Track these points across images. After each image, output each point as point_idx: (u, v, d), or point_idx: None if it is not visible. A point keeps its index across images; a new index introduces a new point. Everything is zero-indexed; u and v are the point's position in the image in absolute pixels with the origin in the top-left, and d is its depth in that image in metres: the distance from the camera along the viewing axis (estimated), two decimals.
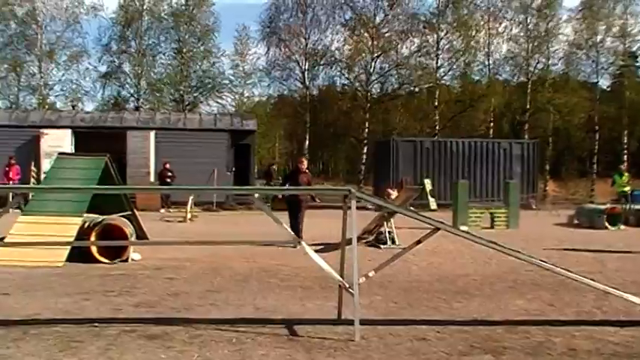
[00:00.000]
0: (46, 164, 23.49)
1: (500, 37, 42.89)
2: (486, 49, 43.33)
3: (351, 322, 6.08)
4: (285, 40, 44.57)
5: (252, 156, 29.80)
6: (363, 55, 42.60)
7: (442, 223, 6.59)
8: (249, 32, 46.87)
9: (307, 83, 45.06)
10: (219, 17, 44.20)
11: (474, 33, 41.89)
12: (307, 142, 44.46)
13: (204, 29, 43.37)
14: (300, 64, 44.93)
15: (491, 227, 18.41)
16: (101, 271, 9.97)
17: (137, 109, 39.72)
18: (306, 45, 44.61)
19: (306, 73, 44.72)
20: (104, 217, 11.58)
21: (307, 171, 15.15)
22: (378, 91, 44.64)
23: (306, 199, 14.65)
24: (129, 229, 11.47)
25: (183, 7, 42.99)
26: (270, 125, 49.27)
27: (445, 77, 43.55)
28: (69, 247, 10.60)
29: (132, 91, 43.48)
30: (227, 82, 44.49)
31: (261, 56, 47.70)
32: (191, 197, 21.01)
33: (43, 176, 22.08)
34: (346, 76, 44.76)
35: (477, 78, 44.76)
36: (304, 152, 44.56)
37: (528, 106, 41.68)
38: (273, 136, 54.47)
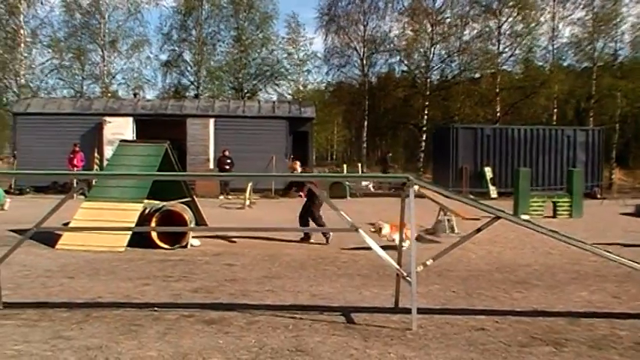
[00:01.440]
0: (108, 151, 24.02)
1: (564, 20, 41.85)
2: (550, 34, 42.34)
3: (408, 311, 6.03)
4: (344, 27, 44.46)
5: (310, 143, 29.83)
6: (423, 41, 42.17)
7: (502, 211, 6.46)
8: (300, 19, 46.85)
9: (366, 70, 44.89)
10: (278, 4, 44.33)
11: (536, 16, 40.94)
12: (365, 130, 44.31)
13: (263, 16, 43.55)
14: (359, 51, 44.79)
15: (554, 216, 18.01)
16: (161, 257, 10.15)
17: (197, 96, 40.22)
18: (365, 32, 44.44)
19: (364, 60, 44.56)
20: (164, 203, 11.77)
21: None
22: (438, 77, 44.14)
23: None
24: (188, 215, 11.63)
25: None
26: (328, 112, 49.25)
27: (507, 63, 42.80)
28: (130, 233, 10.82)
29: (192, 79, 44.09)
30: (283, 70, 44.63)
31: (314, 43, 47.39)
32: (250, 184, 21.17)
33: (105, 163, 22.56)
34: (405, 62, 44.40)
35: (540, 63, 43.78)
36: (363, 140, 44.52)
37: (593, 92, 40.50)
38: (331, 123, 54.45)
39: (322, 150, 62.98)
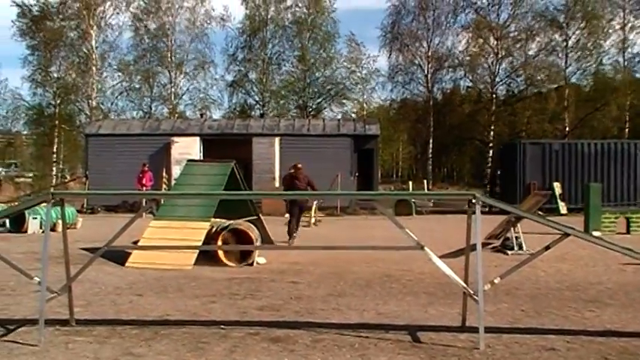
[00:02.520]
0: (176, 170, 24.50)
1: (635, 30, 40.74)
2: (620, 44, 41.24)
3: (475, 330, 5.92)
4: (408, 44, 44.40)
5: (375, 161, 29.78)
6: (487, 56, 41.73)
7: (572, 228, 6.29)
8: (359, 38, 47.02)
9: (430, 87, 44.66)
10: (340, 23, 44.67)
11: (605, 27, 40.00)
12: (431, 146, 43.99)
13: (325, 36, 43.90)
14: (423, 67, 44.64)
15: (627, 232, 17.44)
16: (227, 275, 10.25)
17: (262, 116, 40.75)
18: (429, 48, 44.27)
19: (429, 76, 44.36)
20: (231, 221, 11.90)
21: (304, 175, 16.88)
22: (504, 92, 43.58)
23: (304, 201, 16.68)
24: (254, 233, 11.73)
25: (305, 15, 43.72)
26: (393, 130, 49.13)
27: (574, 76, 41.91)
28: (197, 251, 10.98)
29: (257, 98, 44.69)
30: (346, 89, 44.79)
31: (377, 61, 47.39)
32: (315, 202, 21.25)
33: (173, 182, 23.01)
34: (470, 78, 44.00)
35: (610, 76, 42.67)
36: (428, 157, 44.20)
37: None
38: (396, 140, 54.28)
39: (388, 167, 62.82)
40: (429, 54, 44.21)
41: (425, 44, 44.43)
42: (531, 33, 41.01)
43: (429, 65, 44.35)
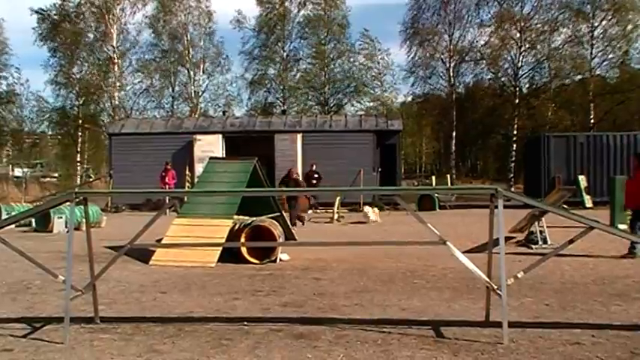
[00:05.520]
0: (199, 168, 24.65)
1: None
2: None
3: (499, 325, 5.89)
4: (429, 38, 44.23)
5: (398, 156, 29.71)
6: (510, 49, 41.42)
7: (597, 221, 6.23)
8: (378, 33, 47.00)
9: (452, 81, 44.45)
10: (354, 17, 44.85)
11: (634, 18, 39.44)
12: (454, 141, 43.80)
13: (341, 30, 43.94)
14: (445, 61, 44.45)
15: None
16: (250, 271, 10.30)
17: (284, 112, 40.86)
18: (450, 42, 44.07)
19: (451, 70, 44.16)
20: (253, 218, 11.94)
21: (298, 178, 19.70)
22: (527, 85, 43.25)
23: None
24: (277, 230, 11.76)
25: (319, 11, 43.78)
26: (415, 125, 48.99)
27: (600, 68, 41.41)
28: (220, 248, 11.03)
29: (278, 95, 44.83)
30: (363, 84, 44.75)
31: (398, 54, 47.42)
32: (338, 198, 21.27)
33: (196, 180, 23.14)
34: (492, 71, 43.70)
35: (638, 66, 42.11)
36: (451, 151, 44.02)
37: None
38: (419, 135, 54.11)
39: (411, 162, 62.64)
40: (451, 48, 44.01)
41: (446, 38, 44.26)
42: (556, 24, 40.59)
43: (451, 59, 44.15)
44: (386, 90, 45.91)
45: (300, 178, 20.06)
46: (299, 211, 18.70)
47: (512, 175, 40.29)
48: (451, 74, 44.29)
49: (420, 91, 47.10)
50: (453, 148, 44.13)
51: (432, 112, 47.67)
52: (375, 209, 20.53)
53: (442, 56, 44.54)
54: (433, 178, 33.95)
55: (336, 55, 44.03)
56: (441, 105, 46.42)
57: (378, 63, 44.99)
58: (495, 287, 6.05)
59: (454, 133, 43.68)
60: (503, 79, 43.28)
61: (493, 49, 42.14)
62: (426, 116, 48.95)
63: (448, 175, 35.40)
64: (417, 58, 44.96)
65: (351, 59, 44.44)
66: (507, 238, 11.86)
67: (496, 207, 6.11)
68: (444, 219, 19.35)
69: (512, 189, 33.98)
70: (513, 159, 40.33)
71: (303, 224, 18.50)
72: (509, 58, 42.04)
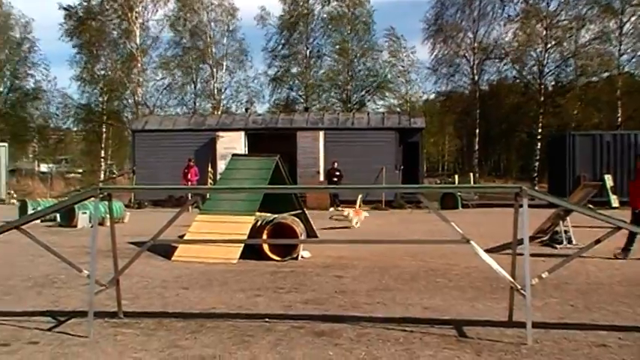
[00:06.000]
0: (221, 165, 24.75)
1: None
2: None
3: (523, 325, 5.84)
4: (452, 35, 44.00)
5: (421, 154, 29.61)
6: (535, 46, 41.04)
7: (624, 221, 6.16)
8: (399, 31, 46.87)
9: (476, 78, 44.18)
10: (378, 15, 44.77)
11: None
12: (477, 139, 43.54)
13: (365, 28, 43.86)
14: (469, 59, 44.20)
15: None
16: (272, 268, 10.32)
17: (306, 110, 40.89)
18: (474, 39, 43.79)
19: (474, 67, 43.89)
20: (275, 215, 11.97)
21: None
22: (552, 83, 42.83)
23: None
24: (299, 227, 11.78)
25: (344, 8, 43.75)
26: (438, 122, 48.78)
27: (629, 64, 40.88)
28: (242, 245, 11.07)
29: (300, 92, 44.87)
30: (387, 81, 44.65)
31: (420, 52, 47.25)
32: (360, 196, 21.23)
33: (218, 177, 23.23)
34: (517, 68, 43.34)
35: None
36: (474, 149, 43.78)
37: None
38: (441, 133, 53.88)
39: (433, 160, 62.38)
40: (475, 45, 43.72)
41: (470, 35, 43.99)
42: (583, 21, 40.11)
43: (475, 56, 43.87)
44: (411, 88, 45.86)
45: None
46: None
47: (536, 174, 39.96)
48: (475, 71, 44.02)
49: (443, 89, 46.91)
50: (476, 146, 43.86)
51: (455, 109, 47.38)
52: (362, 211, 18.88)
53: (466, 53, 44.29)
54: (456, 176, 33.82)
55: (359, 52, 43.97)
56: (464, 103, 46.14)
57: (403, 60, 44.88)
58: (519, 287, 6.01)
59: (477, 131, 43.42)
60: (528, 76, 42.93)
61: (518, 45, 41.79)
62: (448, 114, 48.67)
63: (471, 174, 35.23)
64: (440, 55, 44.80)
65: (375, 57, 44.38)
66: (531, 238, 11.77)
67: (520, 206, 6.07)
68: (467, 218, 19.24)
69: (536, 188, 33.70)
70: (537, 157, 40.00)
71: None
72: (534, 55, 41.69)
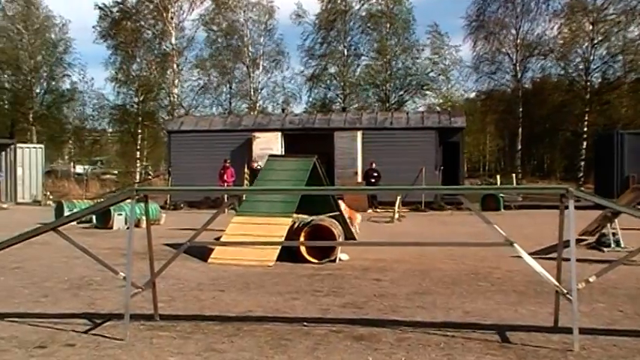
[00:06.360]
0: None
1: None
2: None
3: (569, 331, 5.75)
4: (494, 32, 43.59)
5: (461, 154, 29.40)
6: (581, 42, 40.43)
7: None
8: (445, 28, 46.58)
9: (519, 76, 43.70)
10: (418, 12, 44.61)
11: None
12: (520, 138, 43.07)
13: (404, 26, 43.69)
14: (511, 56, 43.75)
15: None
16: (309, 271, 10.33)
17: (344, 109, 40.88)
18: (517, 36, 43.32)
19: (517, 65, 43.42)
20: (313, 217, 11.98)
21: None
22: (599, 80, 42.16)
23: None
24: (337, 229, 11.77)
25: (382, 6, 43.65)
26: (479, 122, 48.38)
27: None
28: (279, 247, 11.10)
29: (338, 92, 44.88)
30: (429, 80, 44.44)
31: (461, 50, 46.84)
32: (398, 197, 21.16)
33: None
34: (562, 66, 42.76)
35: None
36: (516, 149, 43.31)
37: None
38: (482, 132, 53.43)
39: (474, 160, 61.91)
40: (518, 42, 43.25)
41: (513, 31, 43.54)
42: (632, 15, 39.37)
43: (518, 53, 43.40)
44: (452, 86, 45.58)
45: (259, 167, 18.24)
46: None
47: (581, 174, 39.40)
48: (517, 69, 43.54)
49: (485, 87, 46.49)
50: (519, 145, 43.41)
51: (497, 108, 46.92)
52: (357, 215, 15.95)
53: (508, 50, 43.85)
54: (498, 177, 33.46)
55: (399, 50, 43.80)
56: (506, 101, 45.69)
57: (445, 59, 44.64)
58: (565, 291, 5.92)
59: (520, 130, 42.96)
60: (573, 73, 42.33)
61: (563, 42, 41.22)
62: (490, 113, 48.22)
63: (514, 174, 34.87)
64: (481, 52, 44.42)
65: (415, 56, 44.19)
66: (578, 241, 11.59)
67: (566, 207, 5.98)
68: (509, 220, 19.02)
69: (582, 189, 33.21)
70: (583, 157, 39.44)
71: None
72: (580, 51, 41.09)
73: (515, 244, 6.04)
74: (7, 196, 30.32)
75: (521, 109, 42.83)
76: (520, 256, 6.12)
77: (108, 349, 5.72)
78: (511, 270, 10.06)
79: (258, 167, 17.01)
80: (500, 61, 44.29)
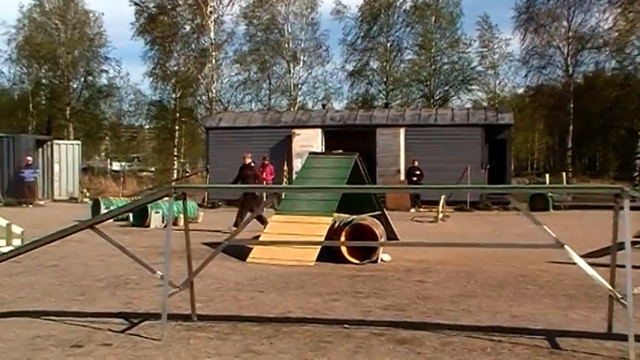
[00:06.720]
0: (297, 164, 24.91)
1: None
2: None
3: (624, 338, 5.64)
4: (545, 24, 42.99)
5: (508, 152, 29.08)
6: (639, 33, 39.62)
7: None
8: (493, 20, 46.11)
9: (570, 70, 43.04)
10: (465, 4, 44.27)
11: None
12: (570, 136, 42.43)
13: (450, 19, 43.38)
14: (562, 49, 43.10)
15: None
16: (350, 272, 10.33)
17: (386, 106, 40.74)
18: (569, 28, 42.64)
19: (568, 59, 42.76)
20: (354, 216, 11.96)
21: (253, 165, 17.56)
22: None
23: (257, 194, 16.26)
24: (379, 229, 11.74)
25: None
26: (527, 118, 47.79)
27: None
28: (319, 247, 11.11)
29: (380, 88, 44.76)
30: (476, 74, 44.06)
31: (510, 44, 46.22)
32: (443, 196, 21.02)
33: (294, 176, 23.39)
34: (617, 59, 41.96)
35: None
36: (567, 147, 42.70)
37: None
38: (531, 129, 52.77)
39: (521, 159, 61.16)
40: (569, 34, 42.58)
41: (564, 23, 42.86)
42: None
43: (569, 47, 42.72)
44: (500, 81, 45.11)
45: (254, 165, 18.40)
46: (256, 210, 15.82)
47: (636, 173, 38.67)
48: (569, 63, 42.87)
49: (534, 82, 45.88)
50: (570, 143, 42.76)
51: (547, 104, 46.27)
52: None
53: (560, 43, 43.19)
54: (547, 175, 33.02)
55: (445, 44, 43.50)
56: (556, 97, 45.02)
57: (494, 52, 44.21)
58: (619, 296, 5.81)
59: (571, 128, 42.31)
60: (629, 67, 41.55)
61: (619, 34, 40.43)
62: (539, 109, 47.58)
63: (564, 173, 34.37)
64: (531, 46, 43.85)
65: (461, 50, 43.83)
66: (633, 243, 11.38)
67: (621, 208, 5.87)
68: (559, 220, 18.74)
69: (638, 188, 32.65)
70: (638, 155, 38.70)
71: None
72: (637, 43, 40.28)
73: (565, 246, 5.96)
74: (44, 193, 30.87)
75: (572, 105, 42.15)
76: (570, 259, 6.03)
77: (145, 349, 5.79)
78: (561, 273, 9.94)
79: (252, 164, 16.97)
80: (551, 54, 43.73)
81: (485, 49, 44.16)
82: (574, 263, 6.07)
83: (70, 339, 6.08)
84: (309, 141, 27.04)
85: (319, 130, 28.20)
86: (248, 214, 15.52)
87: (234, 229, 14.32)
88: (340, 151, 13.95)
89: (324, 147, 27.44)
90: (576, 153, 46.33)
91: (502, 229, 17.53)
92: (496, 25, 44.54)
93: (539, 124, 51.62)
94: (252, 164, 17.02)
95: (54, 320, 6.82)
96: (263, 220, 14.18)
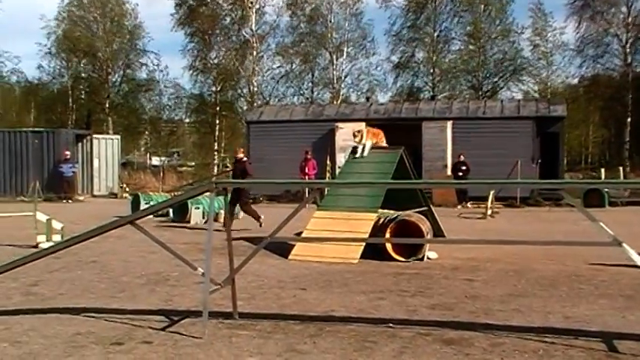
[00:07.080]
0: (340, 158, 24.89)
1: None
2: None
3: None
4: (601, 11, 42.22)
5: (561, 146, 28.69)
6: None
7: None
8: (547, 7, 45.40)
9: (629, 60, 42.22)
10: None
11: None
12: (628, 128, 41.64)
13: (500, 6, 42.89)
14: (620, 37, 42.28)
15: None
16: (395, 270, 10.31)
17: (433, 98, 40.50)
18: (628, 15, 41.80)
19: (627, 47, 41.95)
20: (399, 213, 11.93)
21: (244, 160, 17.22)
22: None
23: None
24: (425, 226, 11.69)
25: None
26: (582, 110, 47.06)
27: None
28: (363, 244, 11.10)
29: (426, 80, 44.50)
30: (527, 64, 43.50)
31: (565, 32, 45.45)
32: (492, 192, 20.85)
33: (337, 171, 23.40)
34: None
35: None
36: (624, 140, 41.95)
37: None
38: (585, 122, 51.99)
39: (575, 153, 60.31)
40: (629, 21, 41.74)
41: (623, 9, 42.02)
42: None
43: (628, 34, 41.90)
44: (553, 72, 44.49)
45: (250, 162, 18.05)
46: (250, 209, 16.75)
47: None
48: (627, 52, 42.06)
49: (589, 73, 45.12)
50: (627, 136, 41.98)
51: (603, 95, 45.48)
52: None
53: (617, 31, 42.37)
54: (602, 170, 32.50)
55: (495, 34, 43.04)
56: (613, 88, 44.23)
57: (547, 41, 43.61)
58: None
59: (629, 120, 41.52)
60: None
61: None
62: (594, 100, 46.82)
63: (621, 167, 33.77)
64: (586, 34, 43.12)
65: (512, 39, 43.35)
66: None
67: None
68: (616, 217, 18.43)
69: None
70: None
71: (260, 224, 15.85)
72: None
73: (623, 244, 5.86)
74: (83, 188, 31.40)
75: (630, 96, 41.35)
76: (629, 258, 5.93)
77: (185, 347, 5.85)
78: (618, 272, 9.77)
79: (244, 159, 16.98)
80: (608, 43, 42.95)
81: (538, 38, 43.56)
82: (633, 263, 5.97)
83: (110, 336, 6.18)
84: (352, 135, 26.95)
85: (363, 124, 28.08)
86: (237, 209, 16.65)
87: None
88: (385, 145, 13.83)
89: None
90: (634, 146, 45.39)
91: (554, 226, 17.31)
92: (550, 13, 43.84)
93: (594, 116, 50.82)
94: (244, 159, 16.99)
95: (94, 317, 6.93)
96: (233, 215, 15.27)
